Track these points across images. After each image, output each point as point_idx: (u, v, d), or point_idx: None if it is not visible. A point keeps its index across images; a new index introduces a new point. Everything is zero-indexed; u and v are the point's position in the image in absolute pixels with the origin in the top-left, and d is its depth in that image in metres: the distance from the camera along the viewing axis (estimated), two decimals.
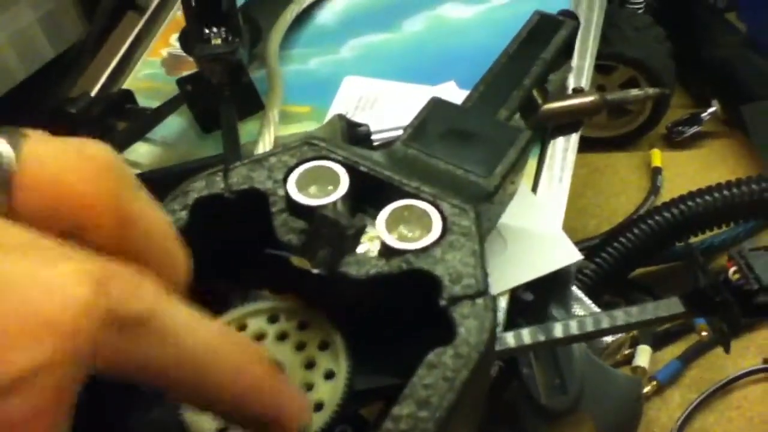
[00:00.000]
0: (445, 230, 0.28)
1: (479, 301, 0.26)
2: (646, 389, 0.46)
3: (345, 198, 0.30)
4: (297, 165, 0.31)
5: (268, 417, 0.20)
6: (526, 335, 0.29)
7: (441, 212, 0.29)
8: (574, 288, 0.41)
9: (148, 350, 0.17)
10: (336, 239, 0.27)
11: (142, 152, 0.51)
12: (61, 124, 0.51)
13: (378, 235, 0.29)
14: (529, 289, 0.43)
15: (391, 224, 0.29)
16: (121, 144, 0.49)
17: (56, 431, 0.15)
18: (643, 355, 0.47)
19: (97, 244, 0.18)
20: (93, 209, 0.18)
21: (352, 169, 0.31)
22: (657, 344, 0.49)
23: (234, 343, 0.19)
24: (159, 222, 0.20)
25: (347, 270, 0.27)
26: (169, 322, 0.17)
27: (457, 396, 0.23)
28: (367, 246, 0.30)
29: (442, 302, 0.26)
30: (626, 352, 0.47)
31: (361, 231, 0.28)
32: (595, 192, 0.64)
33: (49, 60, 0.68)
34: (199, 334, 0.18)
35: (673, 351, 0.49)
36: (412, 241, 0.28)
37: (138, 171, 0.49)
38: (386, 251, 0.28)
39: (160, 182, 0.47)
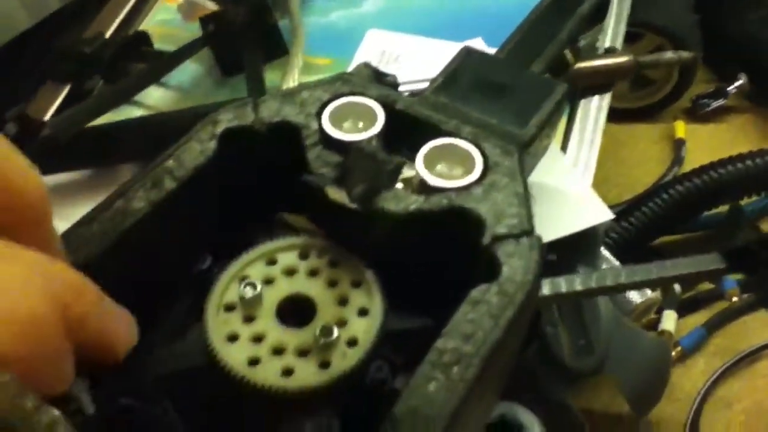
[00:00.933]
0: (486, 170, 0.27)
1: (524, 240, 0.24)
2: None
3: (380, 136, 0.29)
4: (331, 100, 0.29)
5: (96, 343, 0.20)
6: (562, 284, 0.28)
7: (482, 152, 0.28)
8: (602, 249, 0.40)
9: None
10: (373, 174, 0.26)
11: (157, 96, 0.50)
12: (75, 65, 0.50)
13: (414, 175, 0.28)
14: (553, 250, 0.42)
15: (430, 162, 0.28)
16: (135, 86, 0.48)
17: None
18: (670, 320, 0.46)
19: None
20: None
21: (387, 107, 0.29)
22: (682, 312, 0.48)
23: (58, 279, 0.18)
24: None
25: (385, 205, 0.26)
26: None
27: (502, 334, 0.22)
28: (401, 187, 0.29)
29: (485, 241, 0.24)
30: (651, 317, 0.46)
31: (399, 167, 0.27)
32: (616, 162, 0.63)
33: (54, 10, 0.66)
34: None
35: (698, 319, 0.49)
36: (451, 179, 0.27)
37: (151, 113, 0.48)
38: (424, 190, 0.27)
39: (174, 124, 0.45)
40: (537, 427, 0.37)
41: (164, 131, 0.40)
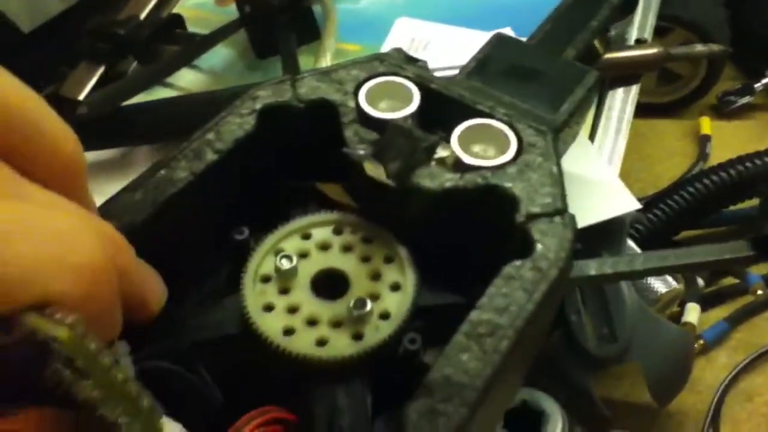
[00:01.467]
0: (520, 150, 0.27)
1: (557, 219, 0.25)
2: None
3: (415, 115, 0.29)
4: (367, 79, 0.30)
5: (135, 297, 0.21)
6: (594, 266, 0.29)
7: (516, 132, 0.28)
8: (627, 240, 0.40)
9: None
10: (409, 151, 0.26)
11: (189, 79, 0.51)
12: (109, 46, 0.50)
13: (448, 155, 0.28)
14: (578, 239, 0.42)
15: (465, 142, 0.28)
16: (168, 68, 0.48)
17: None
18: (693, 312, 0.46)
19: None
20: None
21: (423, 87, 0.30)
22: (704, 306, 0.48)
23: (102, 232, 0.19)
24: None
25: (420, 182, 0.26)
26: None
27: (535, 308, 0.22)
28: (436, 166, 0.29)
29: (519, 219, 0.25)
30: (674, 310, 0.46)
31: (434, 146, 0.28)
32: (640, 156, 0.63)
33: None
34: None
35: (720, 313, 0.49)
36: (486, 159, 0.27)
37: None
38: (459, 168, 0.27)
39: (206, 105, 0.46)
40: (559, 414, 0.37)
41: (197, 112, 0.40)
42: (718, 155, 0.63)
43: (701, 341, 0.47)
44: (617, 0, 0.43)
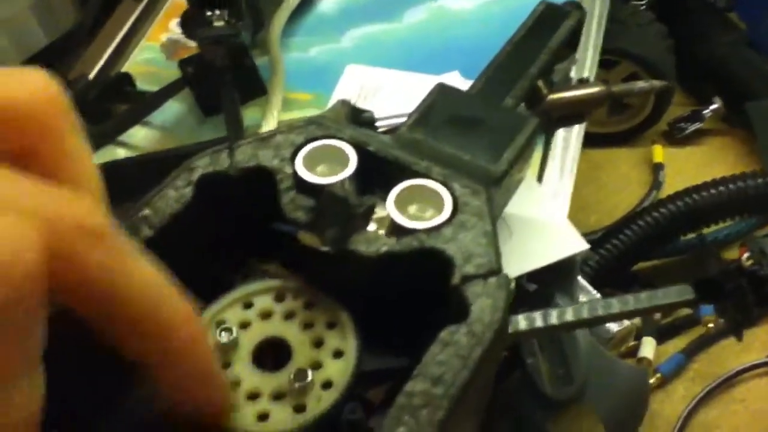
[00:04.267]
0: (455, 210, 0.28)
1: (492, 279, 0.25)
2: (650, 381, 0.46)
3: (353, 177, 0.29)
4: (304, 143, 0.30)
5: (193, 381, 0.19)
6: (537, 319, 0.29)
7: (452, 192, 0.28)
8: (579, 278, 0.41)
9: (104, 263, 0.16)
10: (345, 217, 0.27)
11: (141, 136, 0.51)
12: None
13: (387, 215, 0.28)
14: (532, 280, 0.43)
15: (401, 204, 0.28)
16: (119, 127, 0.48)
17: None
18: (648, 347, 0.47)
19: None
20: (36, 135, 0.18)
21: (360, 149, 0.30)
22: (661, 338, 0.49)
23: (175, 293, 0.19)
24: (90, 164, 0.20)
25: (357, 248, 0.26)
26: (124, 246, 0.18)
27: (471, 374, 0.22)
28: (375, 228, 0.29)
29: (454, 281, 0.25)
30: (630, 344, 0.47)
31: (370, 210, 0.28)
32: (596, 187, 0.64)
33: (42, 47, 0.67)
34: (146, 268, 0.18)
35: (677, 344, 0.49)
36: (422, 220, 0.27)
37: (136, 153, 0.49)
38: (396, 231, 0.28)
39: (158, 165, 0.46)
40: None
41: (150, 172, 0.40)
42: (672, 181, 0.64)
43: (658, 375, 0.48)
44: (555, 45, 0.44)
